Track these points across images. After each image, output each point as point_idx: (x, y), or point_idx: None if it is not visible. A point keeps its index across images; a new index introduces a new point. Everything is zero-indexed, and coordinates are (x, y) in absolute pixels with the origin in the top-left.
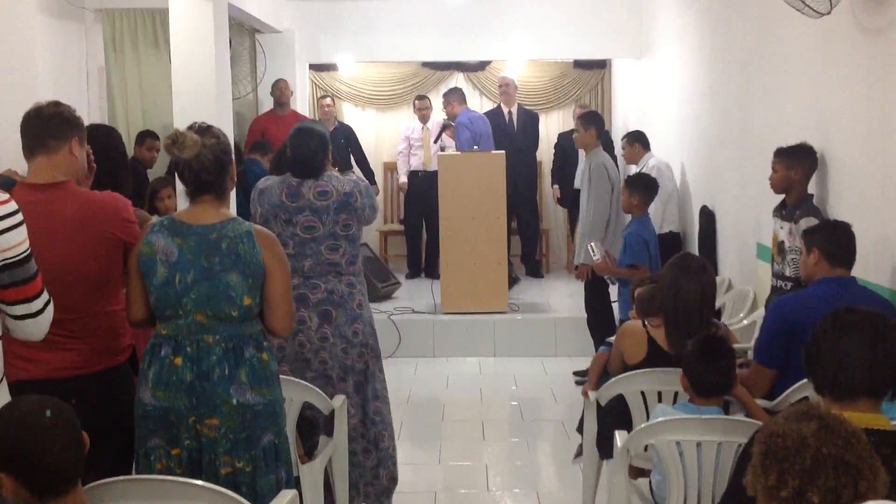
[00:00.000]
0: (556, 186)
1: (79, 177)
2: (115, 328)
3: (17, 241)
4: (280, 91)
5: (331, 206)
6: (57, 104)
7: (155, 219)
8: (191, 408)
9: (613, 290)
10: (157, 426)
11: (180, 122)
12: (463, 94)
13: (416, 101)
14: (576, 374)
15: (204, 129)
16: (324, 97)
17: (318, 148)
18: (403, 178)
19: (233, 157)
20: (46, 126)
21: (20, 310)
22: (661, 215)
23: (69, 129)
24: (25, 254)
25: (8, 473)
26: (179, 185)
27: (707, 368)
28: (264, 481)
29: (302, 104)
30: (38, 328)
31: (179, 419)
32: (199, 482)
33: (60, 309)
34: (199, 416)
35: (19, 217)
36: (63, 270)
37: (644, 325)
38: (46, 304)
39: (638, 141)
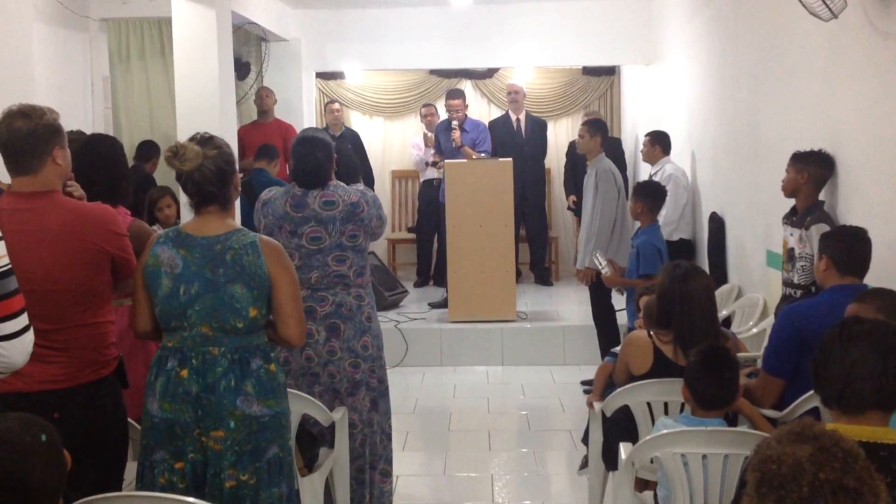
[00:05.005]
0: (571, 197)
1: (66, 178)
2: (101, 341)
3: None
4: (261, 99)
5: (337, 217)
6: (26, 116)
7: (160, 230)
8: (196, 420)
9: (621, 298)
10: (163, 438)
11: (183, 131)
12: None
13: (423, 109)
14: (584, 383)
15: (206, 140)
16: (331, 102)
17: (323, 157)
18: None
19: (236, 166)
20: (23, 147)
21: (8, 327)
22: (676, 223)
23: (47, 143)
24: (6, 268)
25: None
26: (184, 196)
27: (710, 380)
28: (267, 494)
29: (309, 113)
30: (23, 347)
31: (185, 431)
32: (190, 499)
33: (42, 319)
34: (204, 428)
35: None
36: (45, 280)
37: (650, 335)
38: (26, 327)
39: (659, 143)
